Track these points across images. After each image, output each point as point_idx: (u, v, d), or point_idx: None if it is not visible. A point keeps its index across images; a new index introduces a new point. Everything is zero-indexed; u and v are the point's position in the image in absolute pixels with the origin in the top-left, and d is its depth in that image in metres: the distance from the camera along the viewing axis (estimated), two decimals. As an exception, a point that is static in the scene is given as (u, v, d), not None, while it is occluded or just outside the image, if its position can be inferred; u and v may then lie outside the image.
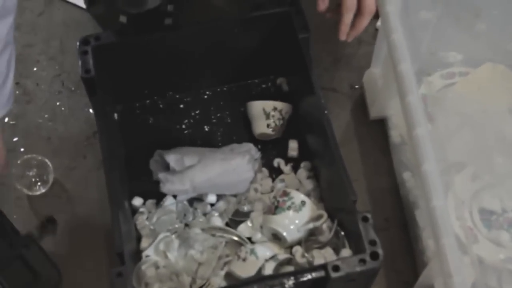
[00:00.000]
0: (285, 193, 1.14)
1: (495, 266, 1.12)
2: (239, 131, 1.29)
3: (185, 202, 1.19)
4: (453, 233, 0.94)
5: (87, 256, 1.21)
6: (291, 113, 1.28)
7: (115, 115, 1.31)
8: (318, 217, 1.12)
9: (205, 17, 1.24)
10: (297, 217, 1.12)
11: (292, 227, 1.12)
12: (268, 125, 1.25)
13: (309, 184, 1.22)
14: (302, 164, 1.26)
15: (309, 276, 1.00)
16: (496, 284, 1.10)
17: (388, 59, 1.22)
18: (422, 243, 1.15)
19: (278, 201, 1.14)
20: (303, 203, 1.12)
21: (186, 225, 1.18)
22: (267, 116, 1.25)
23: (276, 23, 1.22)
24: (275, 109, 1.26)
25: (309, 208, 1.13)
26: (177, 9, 1.17)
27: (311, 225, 1.11)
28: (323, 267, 1.00)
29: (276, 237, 1.15)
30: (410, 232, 1.21)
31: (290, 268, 1.11)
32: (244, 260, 1.09)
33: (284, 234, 1.12)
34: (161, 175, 1.17)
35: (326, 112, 1.13)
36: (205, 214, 1.20)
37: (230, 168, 1.17)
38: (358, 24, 1.10)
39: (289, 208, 1.12)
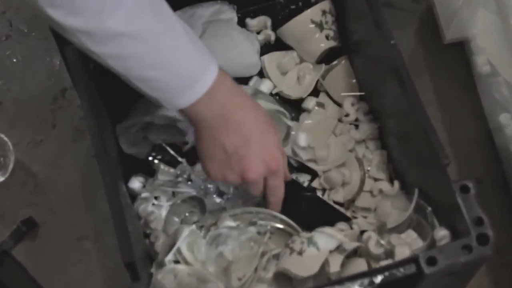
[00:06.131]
0: None
1: None
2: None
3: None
4: None
5: (73, 265, 1.19)
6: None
7: (90, 65, 1.24)
8: None
9: None
10: None
11: None
12: (327, 37, 1.21)
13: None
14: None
15: (397, 275, 0.96)
16: None
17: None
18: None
19: None
20: None
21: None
22: (320, 26, 1.20)
23: None
24: (324, 12, 1.20)
25: None
26: None
27: None
28: (414, 260, 0.96)
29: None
30: (514, 195, 1.19)
31: (360, 261, 1.07)
32: (300, 253, 1.04)
33: None
34: None
35: (393, 41, 1.07)
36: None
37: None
38: None
39: None
